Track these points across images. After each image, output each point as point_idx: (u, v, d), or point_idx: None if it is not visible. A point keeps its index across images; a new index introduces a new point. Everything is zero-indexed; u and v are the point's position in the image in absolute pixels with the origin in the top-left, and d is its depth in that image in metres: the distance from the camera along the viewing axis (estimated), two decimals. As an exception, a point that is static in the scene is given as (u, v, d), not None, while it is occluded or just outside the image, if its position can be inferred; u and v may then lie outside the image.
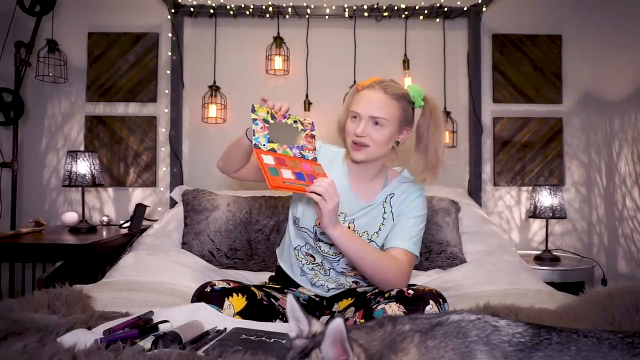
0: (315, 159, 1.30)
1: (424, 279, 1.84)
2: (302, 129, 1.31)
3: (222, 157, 1.46)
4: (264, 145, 1.22)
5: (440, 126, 1.36)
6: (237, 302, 1.23)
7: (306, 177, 1.20)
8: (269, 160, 1.19)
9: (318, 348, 0.66)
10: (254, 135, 1.21)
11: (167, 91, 2.70)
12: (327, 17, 2.68)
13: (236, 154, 1.39)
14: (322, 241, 1.39)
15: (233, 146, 1.40)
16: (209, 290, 1.25)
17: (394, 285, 1.24)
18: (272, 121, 1.26)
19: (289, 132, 1.29)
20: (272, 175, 1.14)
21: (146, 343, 0.96)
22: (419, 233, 1.36)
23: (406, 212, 1.37)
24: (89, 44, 2.70)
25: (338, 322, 0.62)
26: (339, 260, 1.39)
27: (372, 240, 1.37)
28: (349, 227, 1.38)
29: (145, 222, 2.42)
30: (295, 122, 1.31)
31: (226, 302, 1.22)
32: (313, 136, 1.33)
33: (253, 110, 1.24)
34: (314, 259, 1.43)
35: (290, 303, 0.74)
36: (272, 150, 1.22)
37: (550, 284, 1.95)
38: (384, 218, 1.39)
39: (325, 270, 1.44)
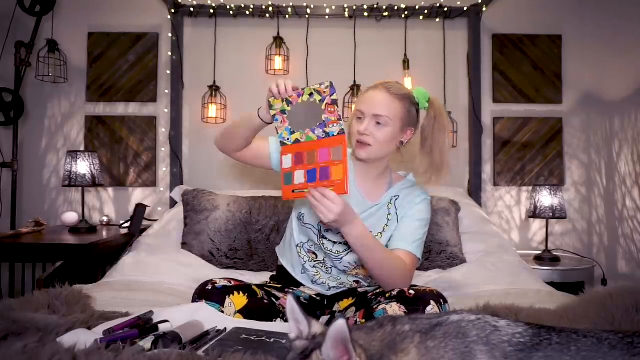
0: (342, 131, 1.17)
1: (424, 279, 1.84)
2: (320, 99, 1.19)
3: (224, 134, 1.39)
4: (288, 139, 1.21)
5: (445, 129, 1.36)
6: (238, 300, 1.23)
7: (318, 174, 1.15)
8: (287, 162, 1.20)
9: (319, 349, 0.66)
10: (277, 132, 1.21)
11: (167, 91, 2.70)
12: (327, 17, 2.68)
13: (243, 132, 1.33)
14: (325, 238, 1.39)
15: (242, 123, 1.33)
16: (210, 288, 1.26)
17: (398, 285, 1.24)
18: (289, 108, 1.21)
19: (308, 110, 1.19)
20: (285, 185, 1.19)
21: (146, 343, 0.96)
22: (422, 237, 1.37)
23: (410, 215, 1.37)
24: (89, 44, 2.70)
25: (341, 322, 0.61)
26: (341, 258, 1.39)
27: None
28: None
29: (145, 222, 2.43)
30: (311, 94, 1.19)
31: (227, 300, 1.22)
32: (334, 101, 1.18)
33: (270, 107, 1.22)
34: (316, 257, 1.43)
35: (290, 304, 0.74)
36: (296, 141, 1.20)
37: (550, 284, 1.95)
38: (388, 219, 1.39)
39: (327, 268, 1.44)
